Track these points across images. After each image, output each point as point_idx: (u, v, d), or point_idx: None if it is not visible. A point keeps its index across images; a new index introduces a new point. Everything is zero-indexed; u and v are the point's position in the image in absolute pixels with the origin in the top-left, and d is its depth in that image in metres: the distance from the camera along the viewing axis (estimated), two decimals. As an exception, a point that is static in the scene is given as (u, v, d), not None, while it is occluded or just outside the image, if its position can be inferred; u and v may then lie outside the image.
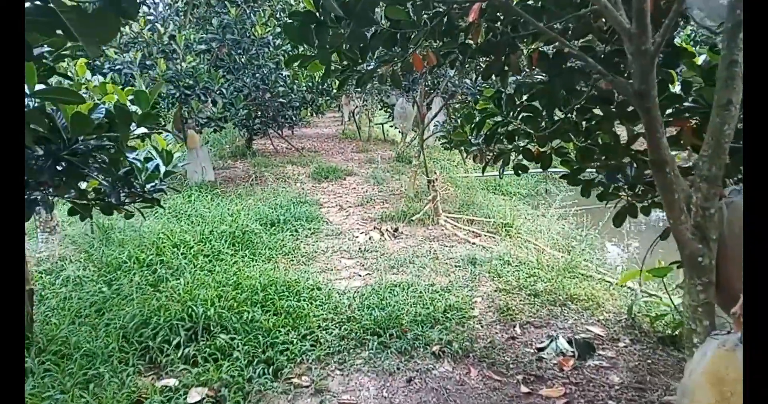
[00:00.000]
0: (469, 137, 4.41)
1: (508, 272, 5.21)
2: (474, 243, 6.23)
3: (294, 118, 8.85)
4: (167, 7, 7.76)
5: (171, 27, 7.48)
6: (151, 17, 7.73)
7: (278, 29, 7.99)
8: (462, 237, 6.45)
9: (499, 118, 3.82)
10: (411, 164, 11.60)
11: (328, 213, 7.72)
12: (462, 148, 8.81)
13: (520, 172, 4.37)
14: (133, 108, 3.28)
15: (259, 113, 9.28)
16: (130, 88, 3.24)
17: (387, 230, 6.60)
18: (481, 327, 4.23)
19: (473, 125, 4.41)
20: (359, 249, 6.04)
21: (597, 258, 6.19)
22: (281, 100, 8.27)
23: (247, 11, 7.60)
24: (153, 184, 4.01)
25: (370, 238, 6.45)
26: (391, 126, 16.04)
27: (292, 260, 5.62)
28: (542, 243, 6.28)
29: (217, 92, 7.60)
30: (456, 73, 7.47)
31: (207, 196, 7.53)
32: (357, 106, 16.06)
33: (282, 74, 8.22)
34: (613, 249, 7.86)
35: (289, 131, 9.48)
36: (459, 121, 8.28)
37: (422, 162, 8.48)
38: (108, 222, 5.79)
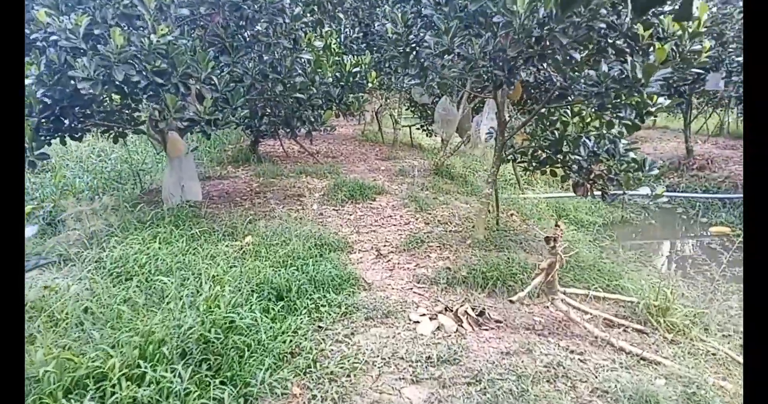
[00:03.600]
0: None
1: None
2: (622, 350, 3.49)
3: (314, 121, 6.10)
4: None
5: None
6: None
7: (298, -10, 5.23)
8: (595, 334, 3.69)
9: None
10: (461, 184, 8.87)
11: (361, 264, 4.98)
12: (542, 169, 6.07)
13: None
14: None
15: (268, 111, 6.54)
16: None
17: (466, 313, 3.86)
18: None
19: None
20: (426, 356, 3.30)
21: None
22: (298, 95, 5.53)
23: (253, -40, 4.83)
24: None
25: (438, 328, 3.71)
26: (420, 128, 13.32)
27: (313, 392, 2.89)
28: (736, 351, 3.54)
29: (206, 82, 4.85)
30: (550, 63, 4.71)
31: (180, 238, 4.76)
32: (380, 105, 13.31)
33: (301, 58, 5.47)
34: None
35: (305, 136, 6.67)
36: (554, 133, 5.53)
37: (494, 191, 5.73)
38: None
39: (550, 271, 3.68)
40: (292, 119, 5.83)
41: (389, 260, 5.10)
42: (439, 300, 4.22)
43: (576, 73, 4.47)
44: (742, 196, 9.26)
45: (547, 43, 3.93)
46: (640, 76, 4.11)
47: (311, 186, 8.14)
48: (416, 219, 6.50)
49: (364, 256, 5.18)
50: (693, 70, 4.41)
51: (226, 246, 4.85)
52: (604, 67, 4.27)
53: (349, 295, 4.11)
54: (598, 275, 4.66)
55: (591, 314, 3.95)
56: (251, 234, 5.29)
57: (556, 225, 3.61)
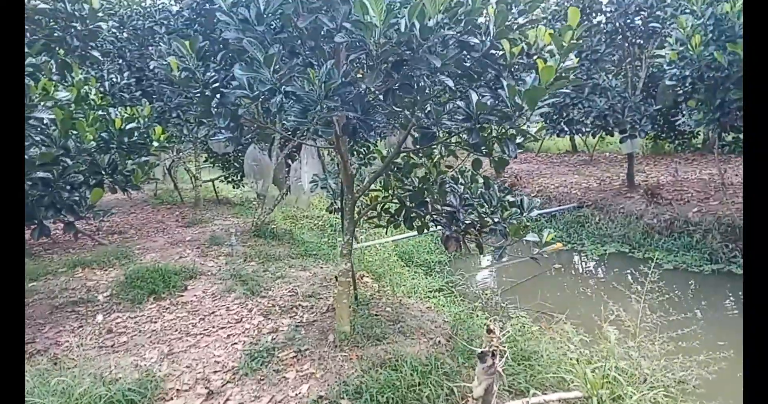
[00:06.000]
0: None
1: None
2: None
3: (75, 206, 3.96)
4: None
5: None
6: None
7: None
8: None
9: None
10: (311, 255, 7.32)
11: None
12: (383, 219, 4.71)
13: None
14: None
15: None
16: None
17: None
18: None
19: None
20: None
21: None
22: (41, 173, 3.48)
23: None
24: None
25: None
26: (224, 180, 11.45)
27: None
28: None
29: None
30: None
31: None
32: (173, 160, 11.12)
33: (37, 119, 3.42)
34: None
35: (65, 231, 4.39)
36: (412, 181, 4.26)
37: (352, 265, 4.36)
38: None
39: (489, 398, 2.42)
40: (36, 210, 3.73)
41: (227, 399, 3.37)
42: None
43: (437, 107, 3.38)
44: (565, 207, 9.37)
45: (411, 69, 2.73)
46: (521, 102, 3.15)
47: (92, 282, 5.88)
48: (250, 312, 4.82)
49: (187, 402, 3.36)
50: (561, 91, 3.62)
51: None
52: (474, 96, 3.24)
53: None
54: (516, 360, 3.51)
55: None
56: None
57: (489, 331, 2.37)
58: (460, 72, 3.13)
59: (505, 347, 2.29)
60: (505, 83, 3.17)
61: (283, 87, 2.62)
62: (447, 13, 2.71)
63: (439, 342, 3.76)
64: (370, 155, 8.22)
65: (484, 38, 3.21)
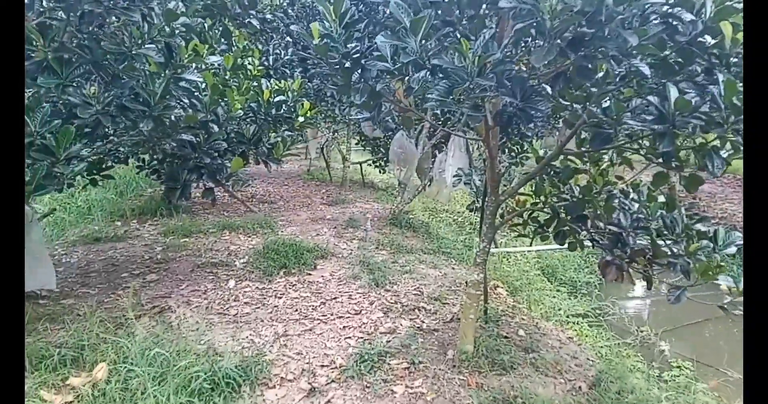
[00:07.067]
0: None
1: None
2: None
3: (219, 171, 4.01)
4: None
5: None
6: None
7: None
8: None
9: None
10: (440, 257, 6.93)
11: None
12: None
13: None
14: None
15: (160, 156, 4.49)
16: None
17: None
18: None
19: None
20: None
21: None
22: (185, 136, 3.50)
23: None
24: None
25: None
26: (371, 165, 11.44)
27: None
28: None
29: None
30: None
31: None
32: (327, 138, 11.38)
33: (187, 81, 3.46)
34: None
35: (204, 196, 4.49)
36: (572, 189, 3.52)
37: (485, 276, 3.82)
38: None
39: None
40: (180, 172, 3.80)
41: (328, 401, 3.08)
42: None
43: (620, 102, 2.68)
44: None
45: (596, 48, 2.11)
46: (740, 104, 2.34)
47: (235, 247, 6.08)
48: (371, 305, 4.53)
49: (288, 394, 3.14)
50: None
51: (47, 397, 2.73)
52: (674, 92, 2.49)
53: None
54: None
55: None
56: (106, 362, 3.18)
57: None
58: (655, 58, 2.40)
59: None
60: (720, 78, 2.38)
61: (430, 60, 2.17)
62: (654, -23, 2.04)
63: (580, 388, 3.09)
64: (523, 154, 7.47)
65: (695, 18, 2.44)
